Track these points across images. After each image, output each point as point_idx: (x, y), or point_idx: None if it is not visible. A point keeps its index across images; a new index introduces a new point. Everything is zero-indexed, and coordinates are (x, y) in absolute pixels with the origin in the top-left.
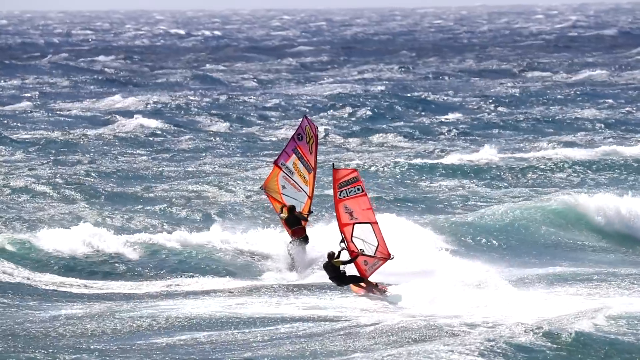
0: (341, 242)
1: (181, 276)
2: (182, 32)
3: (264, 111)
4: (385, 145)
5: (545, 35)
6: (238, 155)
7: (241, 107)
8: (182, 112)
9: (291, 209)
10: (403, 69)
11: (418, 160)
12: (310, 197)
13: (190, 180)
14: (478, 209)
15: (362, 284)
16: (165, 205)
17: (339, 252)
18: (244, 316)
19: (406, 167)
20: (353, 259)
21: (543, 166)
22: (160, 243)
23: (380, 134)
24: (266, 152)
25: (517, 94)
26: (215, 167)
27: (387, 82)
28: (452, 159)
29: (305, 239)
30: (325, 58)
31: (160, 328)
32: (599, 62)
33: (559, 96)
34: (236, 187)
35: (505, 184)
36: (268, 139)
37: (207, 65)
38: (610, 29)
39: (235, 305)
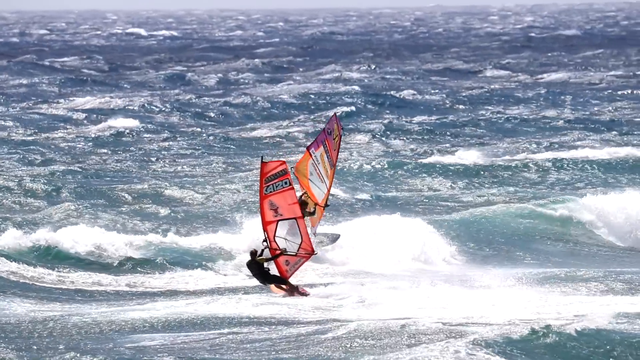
0: (264, 241)
1: (144, 275)
2: (142, 32)
3: (232, 111)
4: (355, 144)
5: (503, 36)
6: (206, 155)
7: (209, 107)
8: (151, 112)
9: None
10: (368, 69)
11: (391, 160)
12: (328, 190)
13: (157, 179)
14: (450, 209)
15: (284, 286)
16: (132, 203)
17: (262, 250)
18: (198, 318)
19: (379, 166)
20: (275, 257)
21: (513, 166)
22: (124, 241)
23: (350, 134)
24: (233, 152)
25: (483, 94)
26: (184, 167)
27: (353, 82)
28: (425, 158)
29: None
30: (289, 58)
31: (110, 330)
32: (559, 62)
33: (523, 96)
34: (204, 187)
35: (480, 185)
36: (238, 139)
37: (172, 65)
38: (567, 30)
39: (197, 304)
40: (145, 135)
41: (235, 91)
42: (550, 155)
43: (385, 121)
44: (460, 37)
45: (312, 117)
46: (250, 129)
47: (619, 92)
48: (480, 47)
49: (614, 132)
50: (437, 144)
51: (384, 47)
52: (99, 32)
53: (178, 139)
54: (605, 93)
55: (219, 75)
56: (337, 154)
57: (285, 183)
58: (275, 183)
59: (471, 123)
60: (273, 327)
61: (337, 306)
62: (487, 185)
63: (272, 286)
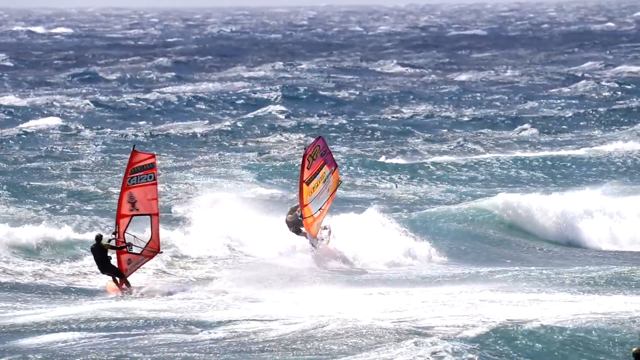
0: (113, 233)
1: (45, 270)
2: (39, 30)
3: (140, 108)
4: (273, 143)
5: (400, 35)
6: (112, 153)
7: (115, 105)
8: (58, 110)
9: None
10: (273, 68)
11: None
12: (301, 205)
13: (63, 178)
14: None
15: (119, 281)
16: (41, 200)
17: (109, 240)
18: (89, 319)
19: (297, 164)
20: (120, 247)
21: (429, 164)
22: (38, 241)
23: (268, 132)
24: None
25: (389, 93)
26: (88, 165)
27: (260, 81)
28: (343, 156)
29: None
30: (192, 57)
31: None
32: (460, 62)
33: (428, 95)
34: (110, 185)
35: (399, 183)
36: (147, 136)
37: (75, 63)
38: (464, 30)
39: (98, 303)
40: (54, 133)
41: (142, 89)
42: (462, 155)
43: (301, 120)
44: (355, 36)
45: (218, 115)
46: (160, 128)
47: (520, 92)
48: (380, 47)
49: (523, 131)
50: (353, 142)
51: (285, 46)
52: None
53: (85, 136)
54: (507, 92)
55: (124, 73)
56: (302, 172)
57: (150, 177)
58: (140, 175)
59: (379, 121)
60: (171, 327)
61: (212, 304)
62: (409, 184)
63: (107, 285)
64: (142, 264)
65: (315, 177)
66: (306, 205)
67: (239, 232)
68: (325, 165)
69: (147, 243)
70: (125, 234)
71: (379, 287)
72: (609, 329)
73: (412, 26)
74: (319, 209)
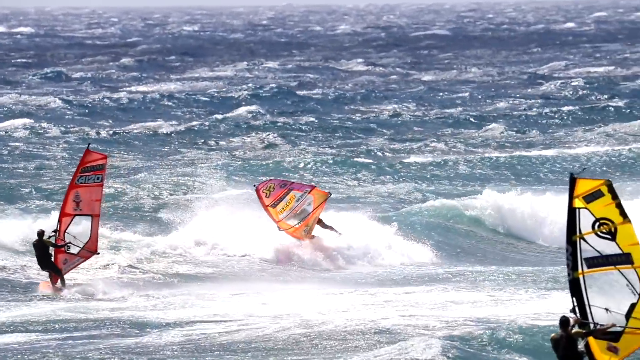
0: (54, 230)
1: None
2: (0, 29)
3: (112, 107)
4: (248, 142)
5: (363, 35)
6: (78, 152)
7: (82, 105)
8: (30, 110)
9: None
10: (239, 67)
11: (277, 159)
12: (276, 220)
13: (28, 177)
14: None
15: (54, 278)
16: (13, 198)
17: (49, 237)
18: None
19: (268, 164)
20: (60, 246)
21: (396, 164)
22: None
23: (237, 131)
24: (121, 150)
25: (355, 92)
26: (58, 166)
27: (232, 80)
28: (316, 155)
29: None
30: (154, 56)
31: None
32: (425, 61)
33: (393, 94)
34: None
35: (362, 181)
36: (117, 135)
37: (39, 62)
38: (427, 31)
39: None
40: (18, 132)
41: (106, 89)
42: (429, 154)
43: (267, 119)
44: (316, 36)
45: (184, 114)
46: (126, 128)
47: (484, 91)
48: (342, 47)
49: (488, 130)
50: (319, 141)
51: (247, 45)
52: None
53: (50, 135)
54: (471, 92)
55: (87, 73)
56: (266, 200)
57: (98, 178)
58: (89, 175)
59: (344, 120)
60: (128, 329)
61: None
62: (375, 183)
63: (41, 285)
64: (78, 265)
65: (281, 201)
66: (280, 221)
67: (210, 230)
68: (293, 191)
69: (85, 243)
70: (65, 234)
71: (350, 287)
72: None
73: (372, 26)
74: (301, 220)
